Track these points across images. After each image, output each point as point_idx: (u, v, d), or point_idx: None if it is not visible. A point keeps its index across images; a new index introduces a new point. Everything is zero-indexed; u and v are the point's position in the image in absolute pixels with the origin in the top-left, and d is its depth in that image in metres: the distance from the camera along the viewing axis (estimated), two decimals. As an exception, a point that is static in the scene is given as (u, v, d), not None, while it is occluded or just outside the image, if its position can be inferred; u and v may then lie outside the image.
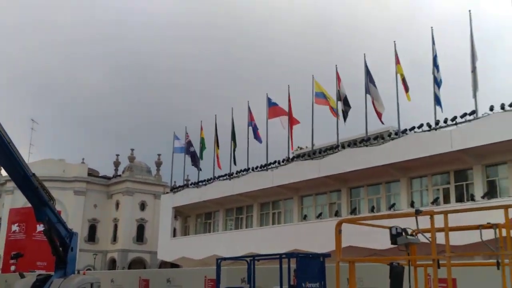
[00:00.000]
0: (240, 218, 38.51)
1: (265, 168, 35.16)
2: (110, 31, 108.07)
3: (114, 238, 61.26)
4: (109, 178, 64.71)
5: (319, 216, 31.46)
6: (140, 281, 18.51)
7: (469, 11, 26.26)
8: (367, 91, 29.85)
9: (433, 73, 26.94)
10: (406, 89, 28.31)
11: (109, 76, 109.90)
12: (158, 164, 64.53)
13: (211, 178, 39.91)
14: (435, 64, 27.08)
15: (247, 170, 36.75)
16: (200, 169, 41.13)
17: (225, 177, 38.63)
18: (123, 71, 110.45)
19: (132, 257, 60.07)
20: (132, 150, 64.50)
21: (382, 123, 29.53)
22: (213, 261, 16.22)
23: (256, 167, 36.04)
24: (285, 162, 34.16)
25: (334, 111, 31.46)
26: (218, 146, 39.62)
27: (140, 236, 61.02)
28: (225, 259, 14.51)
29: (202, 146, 40.69)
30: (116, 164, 65.97)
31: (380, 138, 29.11)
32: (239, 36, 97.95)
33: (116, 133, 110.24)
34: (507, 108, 23.23)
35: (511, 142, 22.26)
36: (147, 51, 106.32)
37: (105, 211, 62.15)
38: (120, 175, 63.74)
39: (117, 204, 61.97)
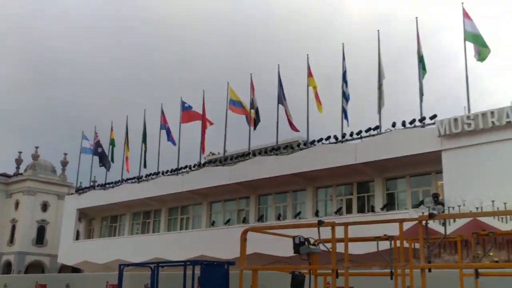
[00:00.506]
0: (147, 223, 37.87)
1: (175, 172, 34.88)
2: (17, 24, 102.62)
3: (11, 240, 57.96)
4: (9, 176, 61.21)
5: (227, 222, 31.64)
6: (37, 286, 17.72)
7: (378, 30, 27.68)
8: (280, 101, 30.54)
9: (342, 87, 28.05)
10: (319, 101, 29.26)
11: (15, 70, 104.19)
12: (64, 163, 61.92)
13: (119, 181, 38.97)
14: (344, 79, 28.21)
15: (157, 173, 36.28)
16: (108, 170, 40.03)
17: (134, 180, 37.90)
18: (30, 65, 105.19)
19: (30, 260, 57.03)
20: (37, 148, 61.46)
21: (298, 130, 30.21)
22: (117, 266, 15.87)
23: (167, 171, 35.67)
24: (196, 167, 34.09)
25: (247, 120, 31.89)
26: (128, 148, 38.81)
27: (40, 238, 58.12)
28: (128, 265, 14.26)
29: (112, 148, 39.69)
30: (18, 161, 62.54)
31: (289, 147, 29.84)
32: (154, 36, 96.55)
33: (21, 129, 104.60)
34: (407, 125, 24.66)
35: (410, 158, 23.63)
36: (57, 46, 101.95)
37: (2, 211, 58.67)
38: (21, 174, 60.50)
39: (17, 204, 58.73)
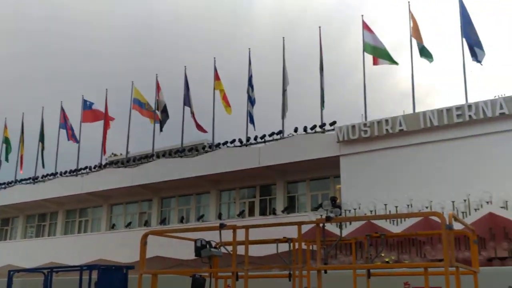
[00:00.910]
0: (43, 226, 36.06)
1: (74, 173, 33.55)
2: None
3: None
4: None
5: (128, 225, 30.90)
6: None
7: (283, 37, 28.39)
8: (186, 102, 30.38)
9: (248, 92, 28.45)
10: (228, 103, 29.45)
11: None
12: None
13: (12, 181, 36.79)
14: (250, 84, 28.64)
15: (54, 174, 34.68)
16: (-1, 169, 37.67)
17: (29, 181, 35.96)
18: None
19: None
20: None
21: (206, 131, 30.13)
22: (7, 272, 15.00)
23: (65, 172, 34.20)
24: (97, 168, 33.00)
25: (151, 122, 31.42)
26: (23, 147, 36.78)
27: None
28: (18, 271, 13.50)
29: (8, 147, 37.45)
30: None
31: (194, 150, 29.76)
32: (57, 32, 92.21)
33: None
34: (309, 131, 25.50)
35: (310, 162, 24.43)
36: None
37: None
38: None
39: None
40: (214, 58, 30.06)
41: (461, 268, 8.39)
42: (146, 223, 29.69)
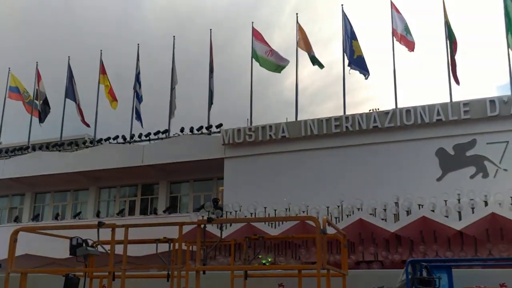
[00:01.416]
0: None
1: None
2: None
3: None
4: None
5: (-4, 221, 28.86)
6: None
7: (174, 36, 28.22)
8: (68, 95, 29.03)
9: (135, 88, 27.87)
10: (114, 97, 28.56)
11: None
12: None
13: None
14: (138, 80, 28.08)
15: None
16: None
17: None
18: None
19: None
20: None
21: (89, 125, 28.92)
22: None
23: None
24: (-38, 158, 30.43)
25: (27, 111, 29.61)
26: None
27: None
28: None
29: None
30: None
31: (74, 144, 28.53)
32: None
33: None
34: (195, 132, 25.55)
35: (194, 163, 24.48)
36: None
37: None
38: None
39: None
40: (101, 50, 29.11)
41: (332, 271, 8.91)
42: (17, 219, 27.89)
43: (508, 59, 20.81)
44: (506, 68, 20.81)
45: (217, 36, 30.59)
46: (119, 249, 9.21)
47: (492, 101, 19.78)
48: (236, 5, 59.18)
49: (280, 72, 25.32)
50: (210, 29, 26.93)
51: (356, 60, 23.50)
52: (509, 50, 20.78)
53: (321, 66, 24.71)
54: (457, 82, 21.62)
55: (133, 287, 11.17)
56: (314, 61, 24.67)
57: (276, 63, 24.94)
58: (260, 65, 25.12)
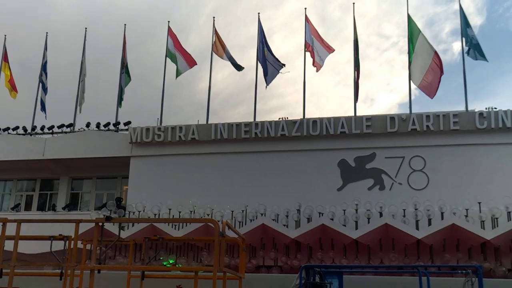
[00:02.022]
0: None
1: None
2: None
3: None
4: None
5: None
6: None
7: (86, 28, 27.32)
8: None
9: (41, 78, 26.64)
10: (14, 87, 27.07)
11: None
12: None
13: None
14: (44, 70, 26.87)
15: None
16: None
17: None
18: None
19: None
20: None
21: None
22: None
23: None
24: None
25: None
26: None
27: None
28: None
29: None
30: None
31: (-32, 133, 26.76)
32: None
33: None
34: (102, 128, 24.81)
35: (99, 160, 23.81)
36: None
37: None
38: None
39: None
40: (5, 36, 27.56)
41: (229, 273, 9.04)
42: None
43: (409, 80, 22.12)
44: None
45: (132, 32, 30.01)
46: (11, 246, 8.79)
47: (392, 118, 20.94)
48: (153, 2, 58.26)
49: (177, 77, 24.94)
50: (125, 24, 26.38)
51: (269, 65, 23.95)
52: (410, 69, 22.07)
53: (239, 68, 24.85)
54: (356, 99, 22.48)
55: (25, 285, 10.69)
56: (236, 66, 24.75)
57: (179, 68, 24.72)
58: (173, 62, 24.88)
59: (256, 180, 21.46)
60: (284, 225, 19.17)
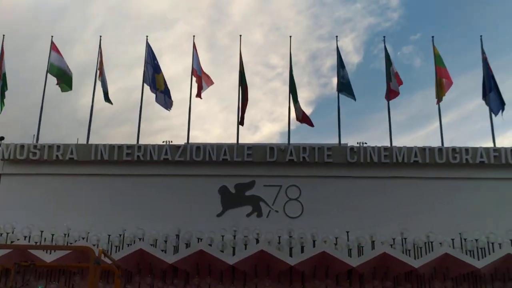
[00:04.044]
0: None
1: None
2: None
3: None
4: None
5: None
6: None
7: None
8: None
9: None
10: None
11: None
12: None
13: None
14: None
15: None
16: None
17: None
18: None
19: None
20: None
21: None
22: None
23: None
24: None
25: None
26: None
27: None
28: None
29: None
30: None
31: None
32: None
33: None
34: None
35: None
36: None
37: None
38: None
39: None
40: None
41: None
42: None
43: (288, 112, 23.33)
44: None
45: (12, 42, 28.42)
46: None
47: (271, 148, 21.85)
48: (37, 13, 55.63)
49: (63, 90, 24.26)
50: (3, 35, 24.97)
51: (158, 93, 24.01)
52: (290, 104, 23.29)
53: (106, 98, 24.26)
54: (242, 123, 23.25)
55: None
56: (104, 89, 24.20)
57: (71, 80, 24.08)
58: (57, 78, 24.04)
59: (136, 203, 21.18)
60: (162, 250, 19.11)
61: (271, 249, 18.58)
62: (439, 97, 23.38)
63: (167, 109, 24.26)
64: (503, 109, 22.85)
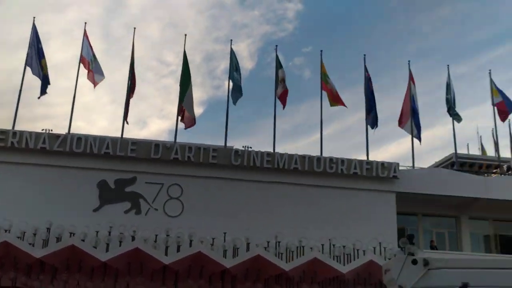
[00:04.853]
0: None
1: None
2: None
3: None
4: None
5: None
6: None
7: None
8: None
9: None
10: None
11: None
12: None
13: None
14: None
15: None
16: None
17: None
18: None
19: None
20: None
21: None
22: None
23: None
24: None
25: None
26: None
27: None
28: None
29: None
30: None
31: None
32: None
33: None
34: None
35: None
36: None
37: None
38: None
39: None
40: None
41: None
42: None
43: (177, 110, 23.16)
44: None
45: None
46: None
47: (157, 145, 21.57)
48: None
49: None
50: None
51: (44, 78, 22.81)
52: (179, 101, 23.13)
53: None
54: (126, 118, 22.73)
55: None
56: None
57: None
58: None
59: (5, 193, 19.85)
60: (30, 244, 18.15)
61: (147, 247, 18.35)
62: (332, 104, 24.29)
63: (40, 96, 22.90)
64: (376, 126, 24.34)
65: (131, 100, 23.02)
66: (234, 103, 23.70)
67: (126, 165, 21.24)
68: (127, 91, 22.93)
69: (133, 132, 67.04)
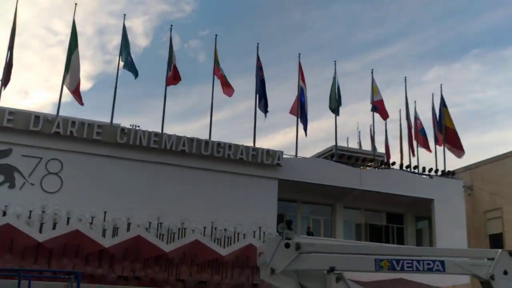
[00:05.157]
0: None
1: None
2: None
3: None
4: None
5: None
6: None
7: None
8: None
9: None
10: None
11: None
12: None
13: None
14: None
15: None
16: None
17: None
18: None
19: None
20: None
21: None
22: None
23: None
24: None
25: None
26: None
27: None
28: None
29: None
30: None
31: None
32: None
33: None
34: None
35: None
36: None
37: None
38: None
39: None
40: None
41: None
42: None
43: (62, 83, 22.07)
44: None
45: None
46: None
47: (37, 117, 20.44)
48: None
49: None
50: None
51: None
52: (65, 74, 22.03)
53: None
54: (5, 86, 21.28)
55: None
56: None
57: None
58: None
59: None
60: None
61: (19, 224, 17.38)
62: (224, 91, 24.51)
63: None
64: (267, 111, 24.96)
65: (15, 67, 21.53)
66: (136, 77, 23.25)
67: (2, 136, 19.93)
68: (7, 56, 21.40)
69: (13, 102, 63.03)
